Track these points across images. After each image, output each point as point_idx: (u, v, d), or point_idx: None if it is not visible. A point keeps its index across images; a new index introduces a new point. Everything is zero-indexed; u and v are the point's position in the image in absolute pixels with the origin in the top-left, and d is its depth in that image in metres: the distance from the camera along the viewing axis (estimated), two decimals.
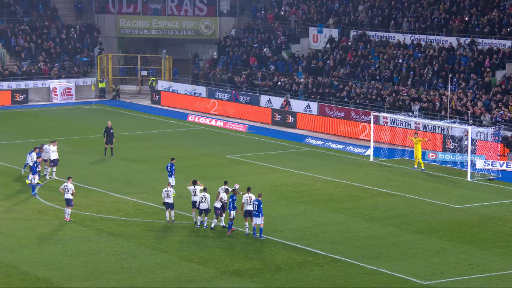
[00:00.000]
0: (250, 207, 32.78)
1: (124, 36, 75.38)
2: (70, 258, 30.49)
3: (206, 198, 33.91)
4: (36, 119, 60.23)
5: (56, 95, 67.51)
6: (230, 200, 33.16)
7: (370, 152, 47.91)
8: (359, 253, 31.13)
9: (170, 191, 34.67)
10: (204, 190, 34.14)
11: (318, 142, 51.90)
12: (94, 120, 58.89)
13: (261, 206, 32.51)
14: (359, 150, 49.20)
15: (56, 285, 27.91)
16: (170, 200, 34.56)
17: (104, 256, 30.73)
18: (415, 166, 45.00)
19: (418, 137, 45.63)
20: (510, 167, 44.83)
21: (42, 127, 56.87)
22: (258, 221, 32.49)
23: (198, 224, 34.25)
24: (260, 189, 39.67)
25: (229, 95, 63.47)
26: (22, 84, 67.18)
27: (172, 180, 38.12)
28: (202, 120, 59.48)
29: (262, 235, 32.65)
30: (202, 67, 70.01)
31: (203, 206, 33.92)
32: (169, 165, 38.86)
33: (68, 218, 35.08)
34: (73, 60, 70.78)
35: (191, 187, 34.64)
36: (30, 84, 67.55)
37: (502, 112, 49.68)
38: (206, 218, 34.10)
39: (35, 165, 38.91)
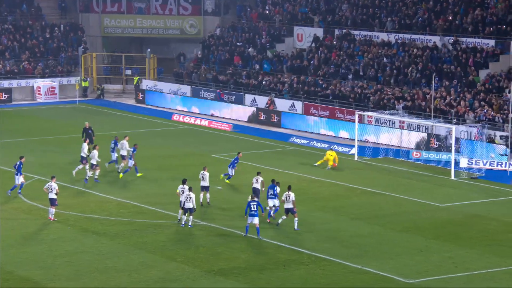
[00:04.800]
0: (289, 205, 33.55)
1: (108, 35, 75.12)
2: (54, 257, 30.32)
3: (191, 197, 33.85)
4: (20, 118, 59.87)
5: (40, 94, 67.18)
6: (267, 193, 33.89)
7: (354, 151, 47.95)
8: (344, 252, 31.14)
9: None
10: (189, 189, 34.10)
11: (302, 141, 51.94)
12: (78, 119, 58.57)
13: (261, 206, 33.06)
14: (344, 149, 49.23)
15: (40, 285, 27.73)
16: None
17: (89, 255, 30.58)
18: (328, 167, 44.49)
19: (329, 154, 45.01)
20: (493, 166, 44.99)
21: (26, 127, 56.54)
22: (256, 220, 32.64)
23: (183, 223, 34.16)
24: (246, 189, 39.66)
25: (214, 94, 63.38)
26: (6, 83, 66.80)
27: (232, 171, 40.44)
28: (187, 119, 59.36)
29: (259, 235, 32.74)
30: (186, 66, 69.87)
31: (188, 205, 33.86)
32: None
33: (52, 218, 34.88)
34: (57, 59, 70.46)
35: (180, 186, 34.69)
36: (14, 83, 67.17)
37: (485, 111, 49.85)
38: (191, 217, 34.02)
39: (20, 166, 38.64)
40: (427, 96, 52.83)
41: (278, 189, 34.96)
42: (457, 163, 44.17)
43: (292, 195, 33.76)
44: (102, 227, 34.03)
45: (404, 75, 56.67)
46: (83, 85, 68.42)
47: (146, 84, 68.26)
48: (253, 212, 32.67)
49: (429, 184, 42.21)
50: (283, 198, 34.05)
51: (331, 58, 61.59)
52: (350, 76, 58.97)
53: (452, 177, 43.09)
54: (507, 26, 55.79)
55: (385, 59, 58.56)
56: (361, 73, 58.71)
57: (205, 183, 37.33)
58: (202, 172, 37.67)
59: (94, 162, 41.06)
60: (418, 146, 48.97)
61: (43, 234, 33.20)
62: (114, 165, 43.23)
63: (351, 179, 42.50)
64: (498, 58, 54.48)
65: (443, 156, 46.27)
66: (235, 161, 41.06)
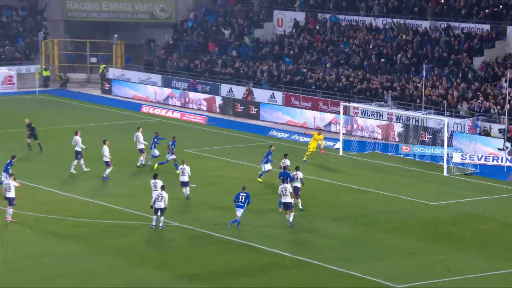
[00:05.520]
0: (287, 199, 33.92)
1: (71, 20, 74.76)
2: (15, 262, 30.18)
3: (163, 196, 33.85)
4: None
5: None
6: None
7: (339, 145, 48.12)
8: (328, 255, 31.28)
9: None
10: (162, 188, 34.07)
11: (283, 134, 52.06)
12: (38, 111, 58.37)
13: (250, 199, 33.51)
14: (328, 143, 49.36)
15: None
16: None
17: (52, 259, 30.54)
18: (305, 159, 44.99)
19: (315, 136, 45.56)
20: (488, 161, 45.30)
21: None
22: (239, 213, 33.25)
23: (153, 224, 34.13)
24: (224, 186, 39.74)
25: (187, 83, 63.33)
26: None
27: (265, 167, 40.58)
28: (157, 111, 59.30)
29: (231, 224, 33.14)
30: (157, 53, 69.70)
31: (159, 205, 33.84)
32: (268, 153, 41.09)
33: (10, 219, 34.75)
34: (15, 45, 70.05)
35: (152, 181, 34.85)
36: None
37: (480, 101, 50.06)
38: (161, 218, 34.02)
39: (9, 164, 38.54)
40: (418, 85, 52.99)
41: (298, 174, 36.11)
42: (449, 158, 44.43)
43: (288, 187, 34.31)
44: (66, 229, 33.95)
45: (392, 63, 56.78)
46: (43, 74, 68.11)
47: (113, 73, 68.09)
48: (239, 203, 33.15)
49: (419, 180, 42.47)
50: (279, 192, 34.47)
51: (314, 45, 61.68)
52: (329, 65, 59.05)
53: (445, 173, 43.36)
54: (504, 9, 56.03)
55: (372, 45, 58.70)
56: (346, 61, 58.83)
57: (185, 178, 37.42)
58: (181, 166, 37.69)
59: (107, 160, 41.17)
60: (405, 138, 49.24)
61: (1, 237, 33.03)
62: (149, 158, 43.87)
63: (336, 176, 42.66)
64: (493, 44, 54.79)
65: (435, 150, 46.51)
66: (269, 155, 41.23)
